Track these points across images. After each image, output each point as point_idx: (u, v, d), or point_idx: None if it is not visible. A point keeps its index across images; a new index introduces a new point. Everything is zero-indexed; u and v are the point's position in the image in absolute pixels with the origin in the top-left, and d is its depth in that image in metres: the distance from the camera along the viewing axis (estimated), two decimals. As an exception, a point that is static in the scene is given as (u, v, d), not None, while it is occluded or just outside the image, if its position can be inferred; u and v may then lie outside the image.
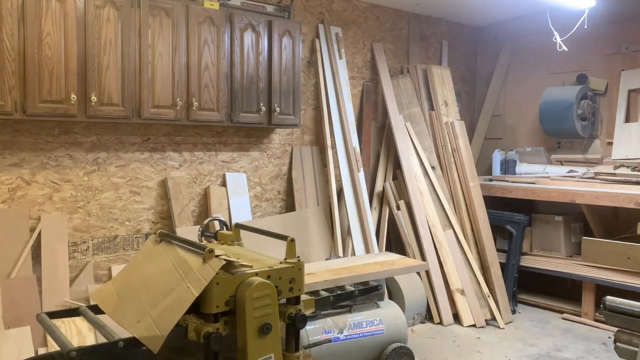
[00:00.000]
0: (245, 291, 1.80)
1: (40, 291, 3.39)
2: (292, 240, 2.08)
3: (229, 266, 1.87)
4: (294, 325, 2.00)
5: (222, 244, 2.35)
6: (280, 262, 2.04)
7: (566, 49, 4.58)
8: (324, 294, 2.30)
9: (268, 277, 1.91)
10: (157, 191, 4.01)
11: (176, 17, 3.64)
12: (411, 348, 3.59)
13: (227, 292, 1.81)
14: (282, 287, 1.96)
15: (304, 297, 2.05)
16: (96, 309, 2.05)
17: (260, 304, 1.81)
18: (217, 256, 1.80)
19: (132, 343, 1.73)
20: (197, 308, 1.83)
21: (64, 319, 3.16)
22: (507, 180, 5.41)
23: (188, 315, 1.81)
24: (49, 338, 3.18)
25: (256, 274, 1.88)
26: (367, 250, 4.59)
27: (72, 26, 3.23)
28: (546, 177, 5.16)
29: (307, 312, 2.04)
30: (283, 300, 2.00)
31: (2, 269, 3.29)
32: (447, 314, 4.60)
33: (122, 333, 1.80)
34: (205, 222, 2.49)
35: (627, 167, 4.75)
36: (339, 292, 2.36)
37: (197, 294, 1.73)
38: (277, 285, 1.93)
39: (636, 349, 2.15)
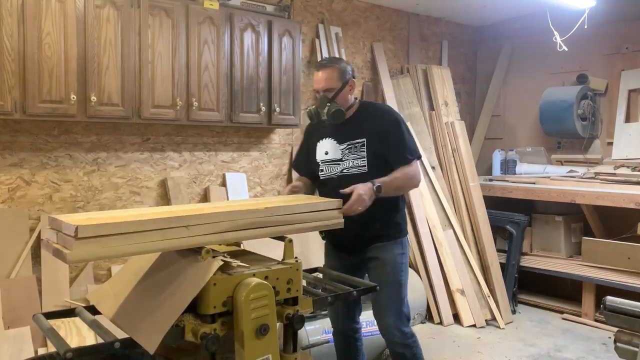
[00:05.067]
0: (243, 292, 1.80)
1: (40, 291, 3.40)
2: (290, 241, 2.08)
3: (226, 267, 1.87)
4: (292, 326, 2.00)
5: (220, 245, 2.35)
6: (278, 263, 2.04)
7: (566, 49, 4.58)
8: (322, 294, 2.30)
9: (266, 278, 1.91)
10: (157, 191, 4.01)
11: (176, 17, 3.65)
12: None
13: (224, 293, 1.81)
14: (279, 287, 1.96)
15: (302, 297, 2.05)
16: (93, 310, 2.06)
17: (257, 305, 1.81)
18: (214, 257, 1.80)
19: (129, 344, 1.73)
20: (194, 308, 1.83)
21: (64, 319, 3.17)
22: (507, 180, 5.41)
23: (185, 315, 1.81)
24: (48, 338, 3.18)
25: (254, 275, 1.89)
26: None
27: (72, 26, 3.24)
28: (546, 177, 5.16)
29: (305, 313, 2.04)
30: (281, 301, 2.00)
31: (2, 269, 3.29)
32: (447, 314, 4.60)
33: (118, 333, 1.80)
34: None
35: (627, 167, 4.74)
36: (337, 292, 2.36)
37: (194, 295, 1.74)
38: (275, 285, 1.93)
39: (636, 349, 2.14)
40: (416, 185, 2.75)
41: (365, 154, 2.68)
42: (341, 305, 2.91)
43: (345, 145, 2.72)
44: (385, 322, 2.75)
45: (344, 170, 2.71)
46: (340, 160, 2.73)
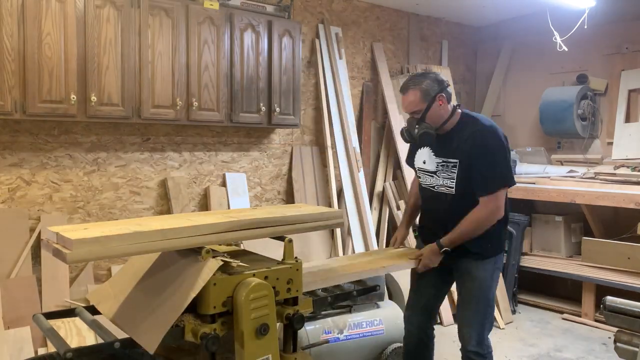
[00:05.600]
0: (243, 292, 1.80)
1: (40, 291, 3.39)
2: (290, 241, 2.08)
3: (226, 267, 1.87)
4: (292, 325, 2.01)
5: (220, 245, 2.35)
6: (278, 263, 2.04)
7: (566, 49, 4.58)
8: (321, 294, 2.31)
9: (265, 278, 1.91)
10: (157, 191, 4.01)
11: (176, 17, 3.65)
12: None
13: (225, 293, 1.81)
14: (279, 287, 1.96)
15: (301, 297, 2.05)
16: (93, 310, 2.06)
17: (257, 305, 1.82)
18: (214, 257, 1.80)
19: (129, 343, 1.73)
20: (194, 308, 1.83)
21: (64, 319, 3.17)
22: (507, 180, 5.39)
23: (185, 315, 1.81)
24: (48, 338, 3.18)
25: (253, 275, 1.89)
26: (367, 250, 4.60)
27: (72, 26, 3.24)
28: (546, 177, 5.16)
29: (305, 313, 2.04)
30: (281, 301, 2.00)
31: (2, 269, 3.29)
32: (447, 314, 4.60)
33: (118, 333, 1.80)
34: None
35: (627, 167, 4.74)
36: (337, 292, 2.36)
37: (194, 295, 1.74)
38: (275, 285, 1.93)
39: (636, 349, 2.15)
40: (494, 221, 2.57)
41: (455, 175, 2.60)
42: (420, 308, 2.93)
43: (441, 160, 2.66)
44: (467, 331, 2.73)
45: (435, 187, 2.70)
46: (435, 173, 2.69)
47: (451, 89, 2.67)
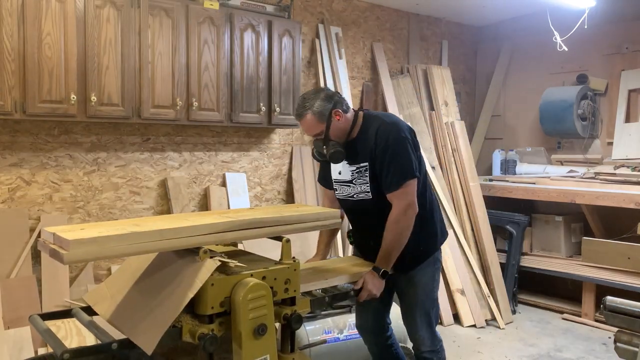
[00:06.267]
0: (240, 292, 1.80)
1: (40, 291, 3.40)
2: (288, 241, 2.09)
3: (224, 267, 1.87)
4: (290, 326, 2.01)
5: (217, 245, 2.35)
6: (276, 263, 2.04)
7: (566, 49, 4.58)
8: (319, 294, 2.31)
9: (263, 278, 1.92)
10: (157, 191, 4.01)
11: (176, 17, 3.65)
12: (411, 348, 3.59)
13: (222, 293, 1.81)
14: (277, 287, 1.96)
15: (299, 297, 2.06)
16: (90, 311, 2.06)
17: (255, 305, 1.82)
18: (212, 257, 1.80)
19: (126, 344, 1.74)
20: (192, 309, 1.83)
21: (64, 319, 3.17)
22: (507, 180, 5.41)
23: (183, 316, 1.81)
24: (48, 338, 3.18)
25: (251, 275, 1.89)
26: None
27: (72, 26, 3.24)
28: (546, 177, 5.16)
29: (303, 313, 2.04)
30: (278, 301, 2.00)
31: (2, 269, 3.30)
32: (447, 314, 4.60)
33: (116, 334, 1.81)
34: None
35: (628, 167, 4.74)
36: (335, 292, 2.37)
37: (191, 295, 1.74)
38: (273, 286, 1.94)
39: (636, 349, 2.15)
40: (413, 218, 2.48)
41: (368, 179, 2.53)
42: (371, 307, 2.82)
43: (355, 168, 2.57)
44: (420, 335, 2.71)
45: (354, 195, 2.60)
46: (351, 182, 2.60)
47: (347, 101, 2.61)
